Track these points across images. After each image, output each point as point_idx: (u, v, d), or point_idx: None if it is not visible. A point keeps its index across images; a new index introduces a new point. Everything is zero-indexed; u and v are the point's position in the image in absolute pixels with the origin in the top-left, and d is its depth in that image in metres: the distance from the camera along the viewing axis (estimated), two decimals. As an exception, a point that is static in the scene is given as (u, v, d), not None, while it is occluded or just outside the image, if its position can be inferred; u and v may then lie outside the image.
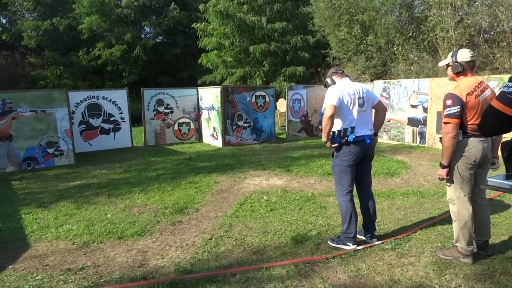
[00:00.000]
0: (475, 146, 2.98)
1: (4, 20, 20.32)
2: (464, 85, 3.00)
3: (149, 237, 3.95)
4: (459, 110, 2.93)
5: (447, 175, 3.08)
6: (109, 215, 4.65)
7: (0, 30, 20.05)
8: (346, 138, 3.27)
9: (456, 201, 3.11)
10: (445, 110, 2.97)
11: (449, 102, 2.97)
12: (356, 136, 3.29)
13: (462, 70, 3.04)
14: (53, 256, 3.54)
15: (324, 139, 3.39)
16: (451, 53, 3.14)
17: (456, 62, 3.05)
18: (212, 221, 4.38)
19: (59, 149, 8.12)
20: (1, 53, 19.71)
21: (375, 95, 3.62)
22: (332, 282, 2.91)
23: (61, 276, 3.13)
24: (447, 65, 3.16)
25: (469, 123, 2.97)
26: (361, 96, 3.36)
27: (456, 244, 3.19)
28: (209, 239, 3.84)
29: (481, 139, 2.98)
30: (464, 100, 2.94)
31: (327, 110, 3.26)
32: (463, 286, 2.82)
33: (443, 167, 3.05)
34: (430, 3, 12.24)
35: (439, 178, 3.12)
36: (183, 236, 3.97)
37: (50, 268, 3.29)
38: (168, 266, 3.27)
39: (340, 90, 3.32)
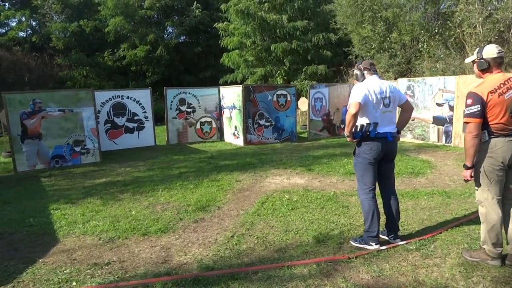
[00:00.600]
0: (502, 147, 2.88)
1: (34, 23, 21.02)
2: (488, 83, 2.91)
3: (172, 234, 4.02)
4: (479, 109, 2.85)
5: (471, 177, 2.99)
6: (133, 212, 4.76)
7: (31, 32, 20.79)
8: (368, 133, 3.23)
9: (484, 203, 3.02)
10: (465, 110, 2.91)
11: (469, 101, 2.91)
12: (378, 133, 3.24)
13: (488, 67, 2.94)
14: (81, 251, 3.66)
15: (346, 133, 3.35)
16: (477, 50, 3.05)
17: (482, 58, 2.95)
18: (234, 219, 4.42)
19: (85, 147, 8.36)
20: (31, 55, 20.41)
21: (402, 94, 3.54)
22: (354, 282, 2.89)
23: (88, 270, 3.23)
24: (473, 62, 3.07)
25: (493, 122, 2.88)
26: (388, 96, 3.31)
27: (483, 246, 3.10)
28: (231, 236, 3.88)
29: (510, 138, 2.88)
30: (485, 99, 2.85)
31: (352, 107, 3.22)
32: (491, 289, 2.75)
33: (467, 168, 2.98)
34: (457, -2, 11.91)
35: (464, 180, 3.05)
36: (206, 233, 4.02)
37: (78, 263, 3.40)
38: (191, 263, 3.32)
39: (367, 88, 3.27)
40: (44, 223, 4.48)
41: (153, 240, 3.88)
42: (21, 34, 20.81)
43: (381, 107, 3.27)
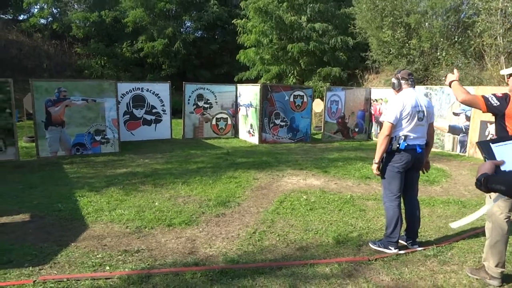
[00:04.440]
0: None
1: (55, 10, 21.32)
2: None
3: (196, 227, 4.17)
4: (498, 103, 2.86)
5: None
6: (156, 203, 4.93)
7: (51, 19, 21.09)
8: (398, 145, 3.34)
9: (492, 218, 3.03)
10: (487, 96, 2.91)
11: (498, 94, 2.93)
12: (408, 144, 3.35)
13: None
14: (110, 238, 3.83)
15: (376, 159, 3.45)
16: None
17: None
18: (254, 216, 4.56)
19: (105, 137, 8.56)
20: (51, 42, 20.73)
21: (433, 112, 3.62)
22: (375, 283, 3.01)
23: (119, 256, 3.40)
24: (510, 75, 3.01)
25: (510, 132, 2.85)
26: (422, 110, 3.42)
27: (484, 263, 3.09)
28: (253, 233, 4.02)
29: None
30: (508, 105, 2.83)
31: (384, 129, 3.35)
32: (508, 298, 2.85)
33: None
34: (479, 8, 11.86)
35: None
36: (228, 228, 4.17)
37: (109, 248, 3.57)
38: (216, 255, 3.47)
39: (402, 103, 3.37)
40: (72, 208, 4.67)
41: (178, 231, 4.04)
42: (42, 21, 21.13)
43: (415, 120, 3.37)
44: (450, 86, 3.22)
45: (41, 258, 3.33)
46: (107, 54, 19.66)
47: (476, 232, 4.11)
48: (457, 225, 1.86)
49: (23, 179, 6.19)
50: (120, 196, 5.20)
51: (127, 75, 19.63)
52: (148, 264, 3.26)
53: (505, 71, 3.11)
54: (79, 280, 2.94)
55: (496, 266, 2.99)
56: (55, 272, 3.09)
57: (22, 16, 21.81)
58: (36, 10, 21.34)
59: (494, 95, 2.93)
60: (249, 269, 3.17)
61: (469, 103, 3.04)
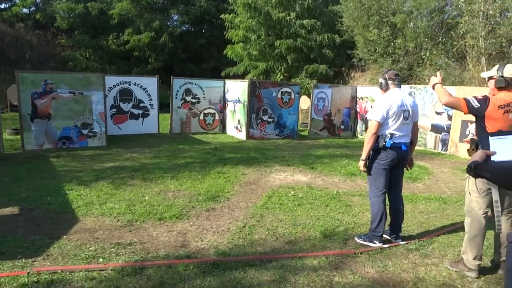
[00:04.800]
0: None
1: (38, 0, 20.84)
2: (500, 97, 2.99)
3: (187, 221, 4.24)
4: (479, 105, 3.00)
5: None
6: (146, 197, 4.97)
7: (34, 9, 20.62)
8: (384, 143, 3.48)
9: (471, 213, 3.18)
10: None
11: (479, 96, 3.07)
12: (394, 143, 3.50)
13: (505, 85, 2.99)
14: (102, 231, 3.87)
15: (363, 156, 3.59)
16: (497, 66, 3.09)
17: (501, 76, 3.00)
18: (244, 211, 4.66)
19: (92, 130, 8.51)
20: (33, 32, 20.27)
21: (418, 112, 3.78)
22: (361, 275, 3.15)
23: (112, 249, 3.45)
24: (490, 78, 3.12)
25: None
26: (407, 109, 3.56)
27: (462, 256, 3.25)
28: (243, 227, 4.12)
29: None
30: (488, 107, 2.96)
31: (372, 127, 3.49)
32: (483, 287, 3.04)
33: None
34: (462, 10, 12.18)
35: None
36: (218, 222, 4.26)
37: (101, 241, 3.62)
38: (207, 248, 3.56)
39: (389, 102, 3.52)
40: (61, 202, 4.68)
41: (169, 225, 4.11)
42: (25, 10, 20.63)
43: (400, 119, 3.52)
44: (433, 88, 3.37)
45: (33, 251, 3.36)
46: (92, 46, 19.37)
47: (455, 227, 4.31)
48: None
49: (9, 171, 6.14)
50: (110, 190, 5.22)
51: (112, 68, 19.40)
52: (141, 257, 3.33)
53: (485, 74, 3.25)
54: (73, 272, 2.99)
55: (474, 259, 3.16)
56: (48, 264, 3.13)
57: (3, 4, 21.21)
58: (18, -1, 20.84)
59: (475, 97, 3.09)
60: (240, 261, 3.27)
61: (452, 105, 3.20)
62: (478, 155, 1.75)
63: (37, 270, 2.98)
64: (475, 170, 1.68)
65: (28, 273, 2.94)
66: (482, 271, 3.23)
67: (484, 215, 3.15)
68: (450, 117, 9.40)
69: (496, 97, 3.03)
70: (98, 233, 3.80)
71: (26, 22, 20.14)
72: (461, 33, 12.26)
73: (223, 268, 3.15)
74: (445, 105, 3.24)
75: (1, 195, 4.88)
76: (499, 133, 1.89)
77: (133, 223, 4.11)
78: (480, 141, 3.02)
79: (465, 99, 3.10)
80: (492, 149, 1.81)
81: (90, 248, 3.45)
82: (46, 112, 7.96)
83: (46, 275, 2.93)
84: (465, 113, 3.14)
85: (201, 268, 3.14)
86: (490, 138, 1.82)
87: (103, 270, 3.04)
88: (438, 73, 3.50)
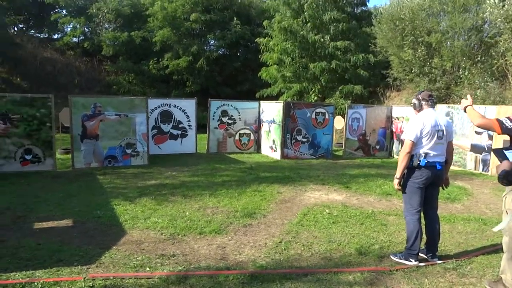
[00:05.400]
0: None
1: (87, 29, 22.45)
2: None
3: (225, 236, 4.45)
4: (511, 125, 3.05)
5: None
6: (187, 213, 5.24)
7: (83, 38, 22.22)
8: (418, 162, 3.56)
9: (509, 232, 3.16)
10: None
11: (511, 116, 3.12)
12: (428, 161, 3.57)
13: None
14: (147, 243, 4.14)
15: (397, 175, 3.69)
16: None
17: None
18: (280, 227, 4.80)
19: (136, 150, 9.02)
20: (82, 59, 21.81)
21: (452, 131, 3.86)
22: (396, 291, 3.20)
23: (158, 259, 3.70)
24: None
25: None
26: (441, 129, 3.65)
27: (501, 276, 3.22)
28: (279, 242, 4.26)
29: None
30: None
31: (406, 146, 3.60)
32: (525, 309, 2.99)
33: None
34: (501, 28, 11.95)
35: None
36: (255, 237, 4.43)
37: (147, 252, 3.88)
38: (246, 262, 3.73)
39: (422, 122, 3.61)
40: (110, 216, 5.03)
41: (208, 239, 4.33)
42: (74, 39, 22.28)
43: (434, 139, 3.60)
44: (465, 111, 3.44)
45: (87, 259, 3.67)
46: (135, 71, 20.53)
47: (495, 248, 4.23)
48: (498, 228, 2.75)
49: (62, 188, 6.64)
50: (153, 206, 5.54)
51: (153, 91, 20.37)
52: (184, 267, 3.55)
53: None
54: (123, 279, 3.25)
55: (514, 278, 3.13)
56: (101, 271, 3.42)
57: (56, 35, 23.04)
58: (69, 29, 22.55)
59: (508, 118, 3.14)
60: (277, 274, 3.41)
61: (485, 127, 3.26)
62: (506, 164, 1.86)
63: (92, 276, 3.27)
64: (507, 178, 1.80)
65: (84, 278, 3.23)
66: (522, 291, 3.18)
67: (522, 234, 3.13)
68: (490, 137, 9.15)
69: None
70: (144, 245, 4.08)
71: (75, 50, 21.74)
72: (501, 51, 12.01)
73: (261, 280, 3.30)
74: (478, 126, 3.30)
75: (57, 209, 5.31)
76: (508, 148, 2.01)
77: (175, 236, 4.36)
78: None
79: (497, 119, 3.15)
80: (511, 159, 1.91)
81: (137, 258, 3.72)
82: (95, 133, 8.56)
83: (100, 280, 3.21)
84: (498, 134, 3.18)
85: (240, 279, 3.31)
86: (505, 152, 1.93)
87: (150, 278, 3.28)
88: (468, 95, 3.58)
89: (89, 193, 6.31)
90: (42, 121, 7.97)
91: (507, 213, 3.22)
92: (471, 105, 3.43)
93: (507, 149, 1.96)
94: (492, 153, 8.81)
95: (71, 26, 22.08)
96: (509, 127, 3.10)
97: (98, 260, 3.65)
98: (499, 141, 8.82)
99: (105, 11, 20.71)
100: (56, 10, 22.12)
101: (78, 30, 21.81)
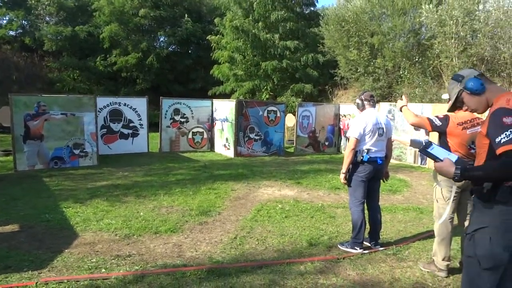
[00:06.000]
0: None
1: (25, 23, 21.04)
2: (459, 116, 3.42)
3: (181, 234, 4.51)
4: (440, 124, 3.43)
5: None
6: (141, 213, 5.22)
7: (21, 31, 20.79)
8: (362, 157, 3.86)
9: (438, 219, 3.57)
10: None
11: (440, 115, 3.51)
12: (370, 157, 3.89)
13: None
14: (101, 244, 4.10)
15: (343, 170, 3.96)
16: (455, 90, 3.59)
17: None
18: (234, 224, 4.94)
19: (84, 150, 8.71)
20: (20, 54, 20.42)
21: (391, 129, 4.22)
22: (343, 277, 3.47)
23: (113, 260, 3.69)
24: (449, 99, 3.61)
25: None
26: (382, 127, 3.97)
27: (433, 258, 3.62)
28: (234, 238, 4.40)
29: None
30: (448, 124, 3.40)
31: (350, 143, 3.89)
32: (451, 285, 3.38)
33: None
34: (435, 31, 12.94)
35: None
36: (211, 234, 4.53)
37: (101, 254, 3.85)
38: (202, 258, 3.83)
39: (365, 121, 3.92)
40: (60, 219, 4.89)
41: (164, 238, 4.36)
42: (11, 33, 20.80)
43: (376, 136, 3.91)
44: (401, 110, 3.80)
45: (38, 264, 3.57)
46: (80, 67, 19.61)
47: (430, 234, 4.66)
48: (441, 220, 3.27)
49: (4, 191, 6.29)
50: (105, 207, 5.44)
51: (100, 89, 19.60)
52: (141, 266, 3.58)
53: (445, 96, 3.74)
54: (78, 281, 3.22)
55: (443, 259, 3.53)
56: (54, 274, 3.35)
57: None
58: (4, 21, 21.00)
59: (437, 116, 3.52)
60: (233, 268, 3.55)
61: (418, 125, 3.63)
62: (448, 162, 2.08)
63: (45, 280, 3.20)
64: (465, 174, 2.00)
65: (36, 283, 3.16)
66: (451, 271, 3.59)
67: (450, 220, 3.54)
68: (427, 133, 9.92)
69: (456, 115, 3.46)
70: (98, 247, 4.04)
71: (12, 44, 20.30)
72: (436, 53, 13.02)
73: (217, 275, 3.42)
74: (412, 125, 3.67)
75: (0, 214, 5.05)
76: (425, 145, 2.27)
77: (130, 237, 4.35)
78: None
79: (428, 118, 3.52)
80: (439, 156, 2.17)
81: (91, 260, 3.68)
82: (39, 133, 8.15)
83: (53, 284, 3.16)
84: (429, 131, 3.56)
85: (197, 275, 3.41)
86: (429, 151, 2.20)
87: (106, 279, 3.28)
88: (403, 96, 3.96)
89: (35, 196, 6.05)
90: (-21, 122, 7.47)
91: (437, 202, 3.61)
92: (406, 105, 3.78)
93: (425, 147, 2.22)
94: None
95: (7, 18, 20.61)
96: (438, 125, 3.48)
97: (50, 264, 3.57)
98: (435, 136, 9.60)
99: (46, 3, 19.56)
100: (-10, 1, 20.53)
101: (15, 24, 20.40)
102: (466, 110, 2.30)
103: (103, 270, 3.47)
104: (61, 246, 4.02)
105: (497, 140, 1.87)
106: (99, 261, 3.66)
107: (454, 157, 2.14)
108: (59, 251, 3.87)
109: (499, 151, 1.86)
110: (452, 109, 2.39)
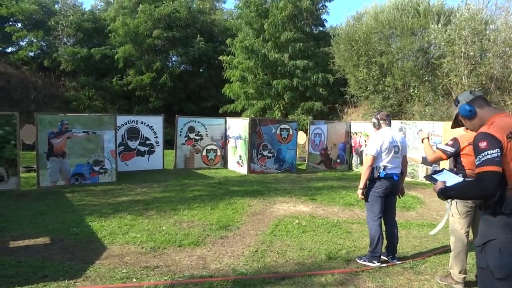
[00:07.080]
0: None
1: (44, 44, 21.84)
2: (468, 136, 3.61)
3: (204, 247, 4.69)
4: (453, 149, 3.67)
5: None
6: (164, 227, 5.42)
7: (39, 52, 21.56)
8: (378, 174, 4.05)
9: (454, 233, 3.73)
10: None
11: (449, 142, 3.73)
12: (387, 173, 4.07)
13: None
14: (129, 257, 4.30)
15: (361, 186, 4.16)
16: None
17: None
18: (254, 238, 5.12)
19: (104, 167, 9.00)
20: (38, 74, 21.12)
21: (406, 146, 4.42)
22: (363, 289, 3.61)
23: (142, 271, 3.88)
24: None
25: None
26: (397, 145, 4.18)
27: (450, 271, 3.75)
28: (255, 251, 4.57)
29: None
30: (460, 145, 3.66)
31: (367, 160, 4.09)
32: (470, 298, 3.51)
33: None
34: (444, 50, 13.18)
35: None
36: (232, 248, 4.71)
37: (131, 265, 4.05)
38: (226, 270, 4.00)
39: (382, 139, 4.13)
40: (87, 232, 5.11)
41: (188, 251, 4.55)
42: (31, 54, 21.59)
43: (392, 153, 4.11)
44: (422, 142, 4.04)
45: (73, 274, 3.78)
46: (96, 86, 20.21)
47: (445, 249, 4.78)
48: (434, 232, 3.16)
49: (30, 207, 6.56)
50: (129, 221, 5.66)
51: (114, 107, 20.13)
52: (169, 277, 3.76)
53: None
54: (113, 290, 3.42)
55: (460, 272, 3.66)
56: (89, 284, 3.55)
57: (10, 48, 22.20)
58: (24, 43, 21.82)
59: (447, 144, 3.74)
60: (257, 279, 3.71)
61: (436, 160, 3.87)
62: (438, 185, 2.39)
63: (82, 288, 3.41)
64: (443, 194, 2.32)
65: (74, 291, 3.36)
66: (467, 284, 3.70)
67: (465, 234, 3.69)
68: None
69: (466, 135, 3.67)
70: (126, 258, 4.23)
71: (31, 65, 21.05)
72: (446, 71, 13.22)
73: (242, 285, 3.59)
74: (431, 162, 3.88)
75: (30, 228, 5.30)
76: (435, 172, 2.57)
77: (156, 249, 4.55)
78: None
79: (441, 150, 3.75)
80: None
81: (122, 271, 3.88)
82: (61, 151, 8.48)
83: (90, 292, 3.36)
84: (445, 159, 3.78)
85: (223, 285, 3.58)
86: (434, 176, 2.49)
87: (138, 288, 3.47)
88: (422, 130, 4.24)
89: (60, 210, 6.29)
90: (6, 139, 7.82)
91: (452, 216, 3.77)
92: (427, 138, 4.03)
93: (435, 173, 2.54)
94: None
95: (27, 40, 21.44)
96: (451, 151, 3.70)
97: (84, 274, 3.77)
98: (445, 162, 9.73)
99: (65, 24, 20.34)
100: (11, 23, 21.39)
101: (35, 46, 21.20)
102: (467, 129, 2.57)
103: (134, 280, 3.66)
104: (92, 257, 4.23)
105: (476, 162, 2.16)
106: (129, 272, 3.86)
107: (459, 179, 2.41)
108: (91, 262, 4.08)
109: (475, 172, 2.16)
110: (454, 126, 2.64)
